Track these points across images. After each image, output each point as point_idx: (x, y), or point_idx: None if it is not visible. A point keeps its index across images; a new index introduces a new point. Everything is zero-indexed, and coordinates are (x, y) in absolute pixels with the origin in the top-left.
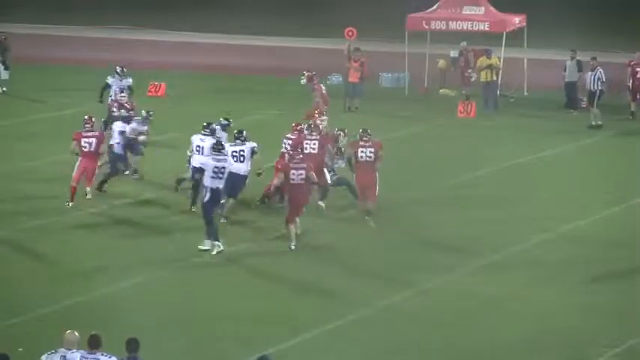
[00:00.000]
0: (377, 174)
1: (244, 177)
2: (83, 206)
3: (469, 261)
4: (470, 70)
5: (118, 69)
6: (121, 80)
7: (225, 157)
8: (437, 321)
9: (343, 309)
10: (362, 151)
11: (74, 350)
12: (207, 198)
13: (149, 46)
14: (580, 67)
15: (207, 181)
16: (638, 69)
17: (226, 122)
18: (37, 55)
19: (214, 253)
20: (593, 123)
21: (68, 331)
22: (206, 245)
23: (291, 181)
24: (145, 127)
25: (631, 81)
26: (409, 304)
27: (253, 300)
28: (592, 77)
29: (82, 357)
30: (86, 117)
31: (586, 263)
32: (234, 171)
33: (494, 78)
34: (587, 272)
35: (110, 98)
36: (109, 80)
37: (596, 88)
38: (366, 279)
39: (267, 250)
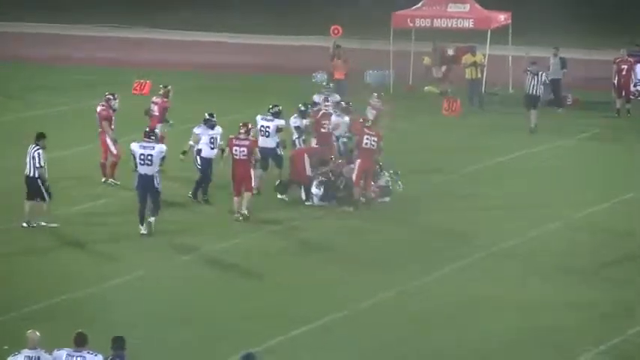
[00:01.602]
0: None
1: (271, 150)
2: (80, 201)
3: (458, 258)
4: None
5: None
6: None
7: (153, 145)
8: (427, 318)
9: (333, 305)
10: (367, 138)
11: (59, 349)
12: (135, 184)
13: (135, 43)
14: (564, 64)
15: (139, 167)
16: (623, 66)
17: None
18: (20, 52)
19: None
20: (532, 125)
21: (30, 330)
22: (143, 230)
23: (235, 157)
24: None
25: (616, 78)
26: (400, 300)
27: (242, 297)
28: (534, 80)
29: (67, 355)
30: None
31: (574, 261)
32: (261, 145)
33: (479, 75)
34: (575, 270)
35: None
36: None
37: (538, 92)
38: (358, 275)
39: (257, 246)
